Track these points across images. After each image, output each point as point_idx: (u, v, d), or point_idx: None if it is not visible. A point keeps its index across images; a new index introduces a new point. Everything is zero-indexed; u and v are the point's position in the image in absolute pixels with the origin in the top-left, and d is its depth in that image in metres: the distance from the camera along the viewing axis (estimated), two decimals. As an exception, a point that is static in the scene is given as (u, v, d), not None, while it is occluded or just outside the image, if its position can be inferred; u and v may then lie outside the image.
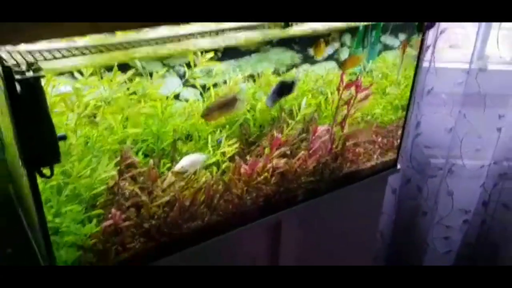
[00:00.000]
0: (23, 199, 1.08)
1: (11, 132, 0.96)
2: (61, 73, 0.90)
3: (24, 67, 0.77)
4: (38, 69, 0.79)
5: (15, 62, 0.78)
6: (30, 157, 0.83)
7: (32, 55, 0.82)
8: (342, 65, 1.31)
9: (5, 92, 0.78)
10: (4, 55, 0.80)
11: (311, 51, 1.33)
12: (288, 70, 1.29)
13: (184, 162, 1.04)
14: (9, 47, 0.82)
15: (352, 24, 1.30)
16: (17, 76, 0.75)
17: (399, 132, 1.48)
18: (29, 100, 0.78)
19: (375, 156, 1.45)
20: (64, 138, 0.86)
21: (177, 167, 1.04)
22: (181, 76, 1.15)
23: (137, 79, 1.04)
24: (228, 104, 1.08)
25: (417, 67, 1.39)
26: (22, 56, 0.81)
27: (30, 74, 0.77)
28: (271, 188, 1.23)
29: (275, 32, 1.12)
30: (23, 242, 1.21)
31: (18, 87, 0.76)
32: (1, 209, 1.31)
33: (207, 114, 1.06)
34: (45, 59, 0.83)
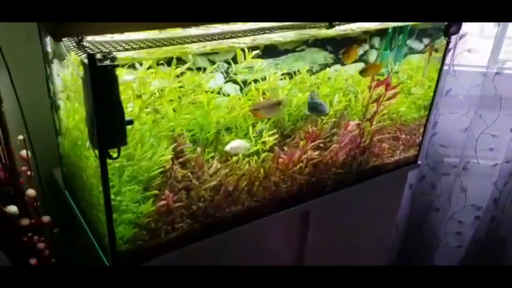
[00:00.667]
0: (79, 180, 1.17)
1: (79, 115, 1.04)
2: (127, 64, 0.98)
3: (100, 56, 0.85)
4: (115, 58, 0.87)
5: (96, 51, 0.86)
6: (103, 139, 0.91)
7: (104, 46, 0.90)
8: (362, 72, 1.36)
9: (86, 79, 0.86)
10: (87, 45, 0.88)
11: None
12: (321, 69, 1.37)
13: (233, 144, 1.15)
14: (89, 38, 0.90)
15: (382, 26, 1.38)
16: (99, 64, 0.83)
17: (421, 130, 1.57)
18: (106, 87, 0.86)
19: (398, 152, 1.54)
20: (131, 122, 0.94)
21: (227, 147, 1.15)
22: (225, 72, 1.24)
23: (188, 73, 1.13)
24: (272, 106, 1.20)
25: (441, 70, 1.48)
26: (97, 47, 0.89)
27: (108, 62, 0.86)
28: (304, 178, 1.32)
29: (319, 32, 1.20)
30: (71, 223, 1.29)
31: (99, 73, 0.84)
32: (48, 191, 1.39)
33: (255, 109, 1.17)
34: (117, 50, 0.91)
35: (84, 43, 0.89)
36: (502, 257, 2.09)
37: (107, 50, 0.88)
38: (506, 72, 1.78)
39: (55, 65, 1.10)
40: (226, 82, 1.26)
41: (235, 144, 1.15)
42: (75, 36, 0.87)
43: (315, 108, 1.27)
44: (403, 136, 1.55)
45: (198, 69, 1.16)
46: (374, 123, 1.41)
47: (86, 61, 0.83)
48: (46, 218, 1.24)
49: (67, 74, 1.04)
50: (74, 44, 0.89)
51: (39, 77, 1.20)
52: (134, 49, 0.94)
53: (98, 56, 0.85)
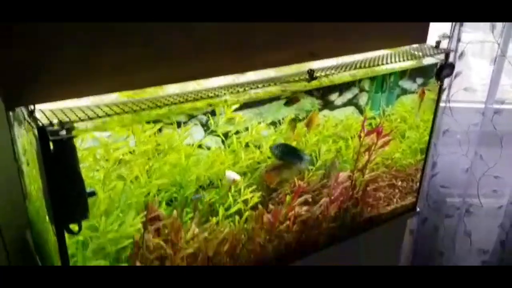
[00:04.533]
0: (44, 250, 1.08)
1: (38, 184, 0.96)
2: (91, 130, 0.90)
3: (57, 127, 0.77)
4: (71, 128, 0.79)
5: (48, 122, 0.78)
6: (59, 214, 0.82)
7: (64, 113, 0.82)
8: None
9: (37, 151, 0.78)
10: (38, 115, 0.80)
11: (331, 97, 1.34)
12: (307, 115, 1.30)
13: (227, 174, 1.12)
14: (42, 106, 0.82)
15: (371, 72, 1.31)
16: (52, 137, 0.75)
17: (418, 176, 1.48)
18: (61, 159, 0.78)
19: (394, 200, 1.44)
20: (93, 194, 0.86)
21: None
22: (204, 126, 1.16)
23: (164, 130, 1.05)
24: (285, 167, 1.16)
25: (436, 111, 1.40)
26: (55, 115, 0.81)
27: (63, 133, 0.78)
28: (292, 235, 1.22)
29: (299, 85, 1.13)
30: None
31: (51, 146, 0.77)
32: (18, 255, 1.30)
33: (269, 170, 1.15)
34: (79, 118, 0.82)
35: (36, 114, 0.80)
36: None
37: (64, 120, 0.80)
38: (506, 109, 1.70)
39: (16, 128, 1.03)
40: (206, 135, 1.18)
41: (229, 174, 1.11)
42: (26, 106, 0.80)
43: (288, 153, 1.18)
44: (400, 183, 1.45)
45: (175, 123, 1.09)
46: (367, 172, 1.32)
47: (36, 134, 0.76)
48: None
49: (25, 140, 0.96)
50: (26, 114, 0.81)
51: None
52: (99, 116, 0.85)
53: (52, 128, 0.77)
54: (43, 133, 0.75)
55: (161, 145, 1.05)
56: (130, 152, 0.99)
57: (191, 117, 1.13)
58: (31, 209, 1.14)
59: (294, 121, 1.18)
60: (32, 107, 0.80)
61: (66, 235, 0.85)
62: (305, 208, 1.22)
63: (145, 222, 1.01)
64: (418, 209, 1.50)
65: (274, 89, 1.10)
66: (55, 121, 0.78)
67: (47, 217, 0.92)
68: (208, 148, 1.18)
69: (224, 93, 0.99)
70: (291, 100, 1.15)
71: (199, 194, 1.11)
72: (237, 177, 1.12)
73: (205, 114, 1.16)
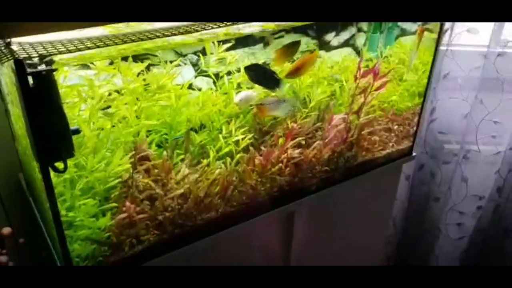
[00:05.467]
0: (35, 190, 1.07)
1: (22, 123, 0.94)
2: (75, 65, 0.87)
3: (36, 60, 0.75)
4: (51, 62, 0.76)
5: (26, 55, 0.75)
6: (43, 151, 0.80)
7: (44, 47, 0.79)
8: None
9: (16, 85, 0.76)
10: (16, 48, 0.77)
11: (327, 37, 1.30)
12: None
13: (241, 96, 1.09)
14: (20, 39, 0.79)
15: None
16: (29, 70, 0.73)
17: (415, 120, 1.45)
18: (41, 94, 0.76)
19: (390, 144, 1.42)
20: (77, 132, 0.84)
21: (236, 99, 1.09)
22: (195, 65, 1.12)
23: (153, 70, 1.02)
24: (278, 103, 1.13)
25: (436, 53, 1.35)
26: (34, 49, 0.78)
27: (42, 67, 0.75)
28: (285, 178, 1.21)
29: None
30: (35, 232, 1.20)
31: (30, 81, 0.74)
32: (12, 198, 1.30)
33: (261, 104, 1.11)
34: (59, 51, 0.79)
35: (14, 46, 0.77)
36: (506, 247, 1.99)
37: (42, 53, 0.77)
38: (509, 53, 1.64)
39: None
40: (196, 76, 1.15)
41: (243, 96, 1.09)
42: (2, 38, 0.76)
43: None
44: (396, 127, 1.43)
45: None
46: (362, 115, 1.29)
47: (14, 67, 0.73)
48: (6, 230, 1.15)
49: (7, 77, 0.93)
50: (3, 47, 0.78)
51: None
52: (80, 49, 0.82)
53: (33, 60, 0.74)
54: (20, 66, 0.72)
55: (150, 84, 1.03)
56: (117, 91, 0.97)
57: (180, 55, 1.10)
58: (20, 150, 1.13)
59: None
60: (8, 39, 0.76)
61: (52, 173, 0.84)
62: (298, 150, 1.21)
63: (134, 162, 1.00)
64: (414, 154, 1.49)
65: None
66: (34, 54, 0.75)
67: (32, 155, 0.91)
68: (199, 89, 1.16)
69: (212, 27, 0.94)
70: (267, 42, 1.10)
71: (179, 136, 1.08)
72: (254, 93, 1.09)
73: (195, 53, 1.13)
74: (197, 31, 0.92)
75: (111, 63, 0.94)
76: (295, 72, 1.14)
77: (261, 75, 1.09)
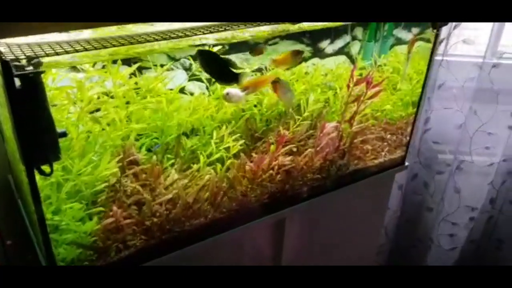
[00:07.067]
0: (23, 193, 1.06)
1: (9, 124, 0.93)
2: (63, 67, 0.86)
3: (24, 62, 0.74)
4: (38, 63, 0.75)
5: (14, 57, 0.74)
6: (29, 154, 0.80)
7: (32, 49, 0.79)
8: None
9: (3, 87, 0.75)
10: (3, 49, 0.76)
11: (321, 44, 1.29)
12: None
13: (229, 90, 1.05)
14: (8, 40, 0.78)
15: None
16: (16, 71, 0.72)
17: (409, 129, 1.45)
18: (28, 96, 0.75)
19: (383, 153, 1.42)
20: (64, 135, 0.83)
21: (224, 92, 1.06)
22: (187, 70, 1.12)
23: (144, 73, 1.01)
24: (286, 88, 1.11)
25: (430, 62, 1.35)
26: (22, 50, 0.77)
27: (30, 69, 0.74)
28: (276, 185, 1.20)
29: (284, 26, 1.08)
30: (23, 233, 1.19)
31: (17, 82, 0.73)
32: (0, 199, 1.28)
33: (277, 81, 1.08)
34: (46, 54, 0.79)
35: (2, 48, 0.76)
36: (498, 258, 1.98)
37: (30, 55, 0.76)
38: (504, 64, 1.64)
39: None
40: (189, 80, 1.15)
41: (231, 90, 1.04)
42: (-11, 38, 0.76)
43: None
44: (389, 136, 1.42)
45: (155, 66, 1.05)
46: (354, 124, 1.29)
47: (1, 68, 0.72)
48: (-8, 232, 1.14)
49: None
50: (-9, 47, 0.77)
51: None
52: (67, 52, 0.81)
53: (20, 62, 0.73)
54: (7, 68, 0.71)
55: (140, 88, 1.02)
56: (106, 94, 0.96)
57: (172, 59, 1.09)
58: (9, 151, 1.12)
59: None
60: (-4, 41, 0.76)
61: (38, 176, 0.83)
62: (289, 158, 1.20)
63: (123, 166, 0.99)
64: (407, 163, 1.48)
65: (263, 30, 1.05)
66: (21, 56, 0.75)
67: (19, 158, 0.90)
68: (191, 94, 1.15)
69: (204, 32, 0.94)
70: (255, 50, 1.08)
71: (158, 144, 1.07)
72: (240, 93, 1.05)
73: (187, 58, 1.12)
74: (188, 36, 0.92)
75: (103, 67, 0.93)
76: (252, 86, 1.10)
77: (213, 64, 0.99)
